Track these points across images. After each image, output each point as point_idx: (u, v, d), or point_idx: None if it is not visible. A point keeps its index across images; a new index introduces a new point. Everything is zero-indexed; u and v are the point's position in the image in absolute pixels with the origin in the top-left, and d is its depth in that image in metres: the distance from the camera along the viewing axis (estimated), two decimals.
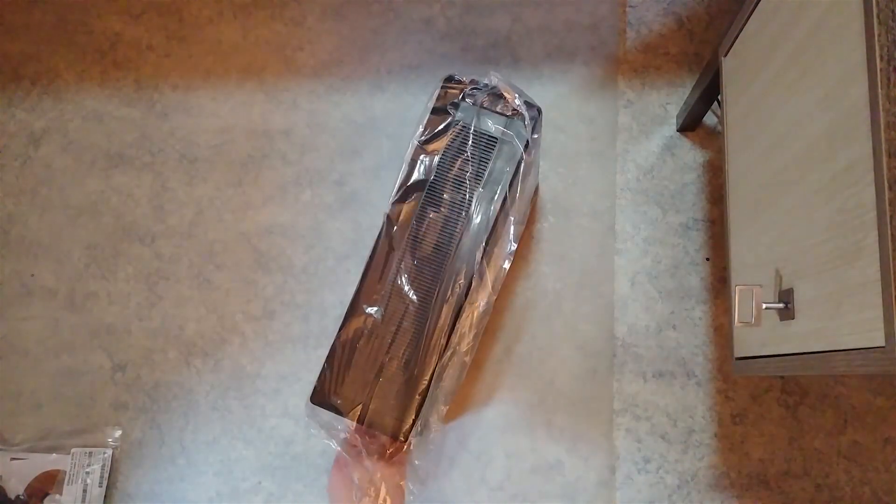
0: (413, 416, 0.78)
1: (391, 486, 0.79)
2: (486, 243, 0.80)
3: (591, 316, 1.02)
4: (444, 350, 0.78)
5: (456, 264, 0.79)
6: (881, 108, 0.51)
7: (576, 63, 1.10)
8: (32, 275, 1.08)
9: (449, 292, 0.79)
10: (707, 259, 1.04)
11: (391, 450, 0.79)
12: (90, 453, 1.01)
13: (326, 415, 0.79)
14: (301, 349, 1.04)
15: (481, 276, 0.80)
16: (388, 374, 0.79)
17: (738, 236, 0.81)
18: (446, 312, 0.79)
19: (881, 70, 0.51)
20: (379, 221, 0.82)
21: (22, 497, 1.00)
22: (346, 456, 0.79)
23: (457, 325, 0.79)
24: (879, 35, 0.51)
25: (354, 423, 0.78)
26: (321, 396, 0.79)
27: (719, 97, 0.88)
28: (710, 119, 1.06)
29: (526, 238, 1.05)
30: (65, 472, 1.01)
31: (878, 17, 0.52)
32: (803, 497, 0.97)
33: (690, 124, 1.05)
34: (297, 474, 1.01)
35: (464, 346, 0.81)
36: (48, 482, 1.01)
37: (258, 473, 1.01)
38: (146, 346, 1.05)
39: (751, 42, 0.79)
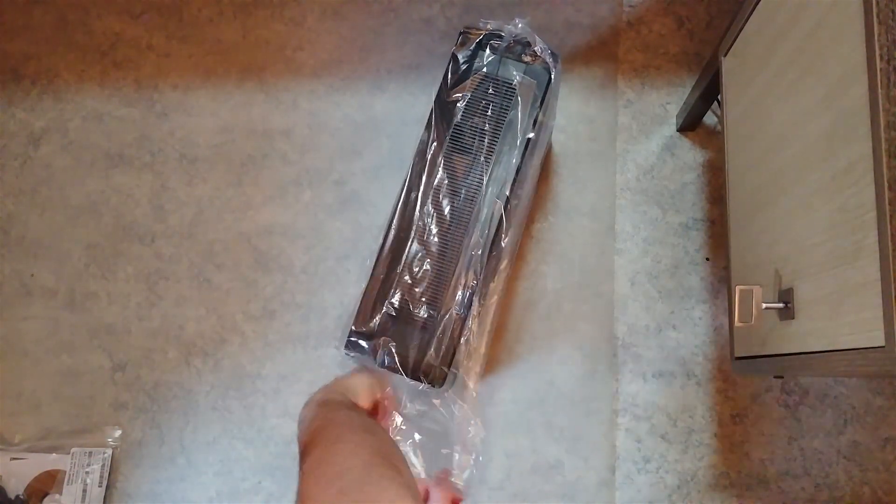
0: (425, 354, 0.79)
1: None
2: (509, 190, 0.82)
3: (591, 316, 1.02)
4: (466, 289, 0.80)
5: (479, 207, 0.81)
6: (881, 108, 0.51)
7: (576, 63, 1.10)
8: (32, 275, 1.08)
9: (469, 235, 0.81)
10: (707, 259, 1.03)
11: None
12: (90, 453, 1.01)
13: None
14: (301, 349, 1.04)
15: (506, 220, 0.82)
16: (410, 313, 0.80)
17: (738, 236, 0.81)
18: (468, 252, 0.80)
19: (881, 70, 0.51)
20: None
21: (22, 497, 1.00)
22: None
23: (480, 266, 0.81)
24: (879, 35, 0.51)
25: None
26: (355, 336, 0.81)
27: (719, 97, 0.88)
28: (710, 119, 1.06)
29: (526, 238, 1.05)
30: (65, 472, 1.00)
31: (878, 17, 0.52)
32: (803, 497, 0.97)
33: (690, 124, 1.05)
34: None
35: (491, 291, 0.83)
36: (48, 482, 1.01)
37: (258, 473, 1.01)
38: (146, 346, 1.05)
39: (751, 42, 0.79)
